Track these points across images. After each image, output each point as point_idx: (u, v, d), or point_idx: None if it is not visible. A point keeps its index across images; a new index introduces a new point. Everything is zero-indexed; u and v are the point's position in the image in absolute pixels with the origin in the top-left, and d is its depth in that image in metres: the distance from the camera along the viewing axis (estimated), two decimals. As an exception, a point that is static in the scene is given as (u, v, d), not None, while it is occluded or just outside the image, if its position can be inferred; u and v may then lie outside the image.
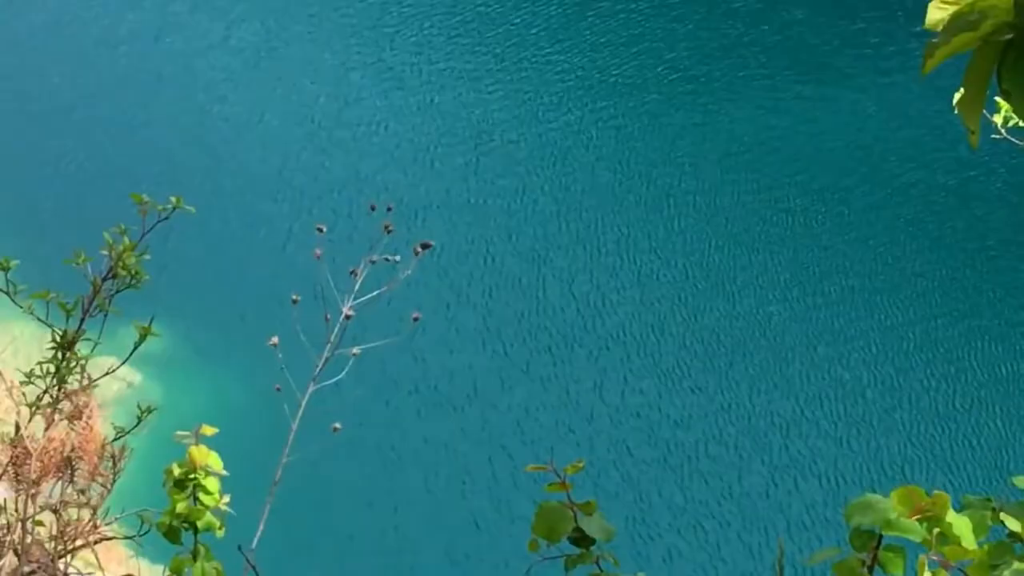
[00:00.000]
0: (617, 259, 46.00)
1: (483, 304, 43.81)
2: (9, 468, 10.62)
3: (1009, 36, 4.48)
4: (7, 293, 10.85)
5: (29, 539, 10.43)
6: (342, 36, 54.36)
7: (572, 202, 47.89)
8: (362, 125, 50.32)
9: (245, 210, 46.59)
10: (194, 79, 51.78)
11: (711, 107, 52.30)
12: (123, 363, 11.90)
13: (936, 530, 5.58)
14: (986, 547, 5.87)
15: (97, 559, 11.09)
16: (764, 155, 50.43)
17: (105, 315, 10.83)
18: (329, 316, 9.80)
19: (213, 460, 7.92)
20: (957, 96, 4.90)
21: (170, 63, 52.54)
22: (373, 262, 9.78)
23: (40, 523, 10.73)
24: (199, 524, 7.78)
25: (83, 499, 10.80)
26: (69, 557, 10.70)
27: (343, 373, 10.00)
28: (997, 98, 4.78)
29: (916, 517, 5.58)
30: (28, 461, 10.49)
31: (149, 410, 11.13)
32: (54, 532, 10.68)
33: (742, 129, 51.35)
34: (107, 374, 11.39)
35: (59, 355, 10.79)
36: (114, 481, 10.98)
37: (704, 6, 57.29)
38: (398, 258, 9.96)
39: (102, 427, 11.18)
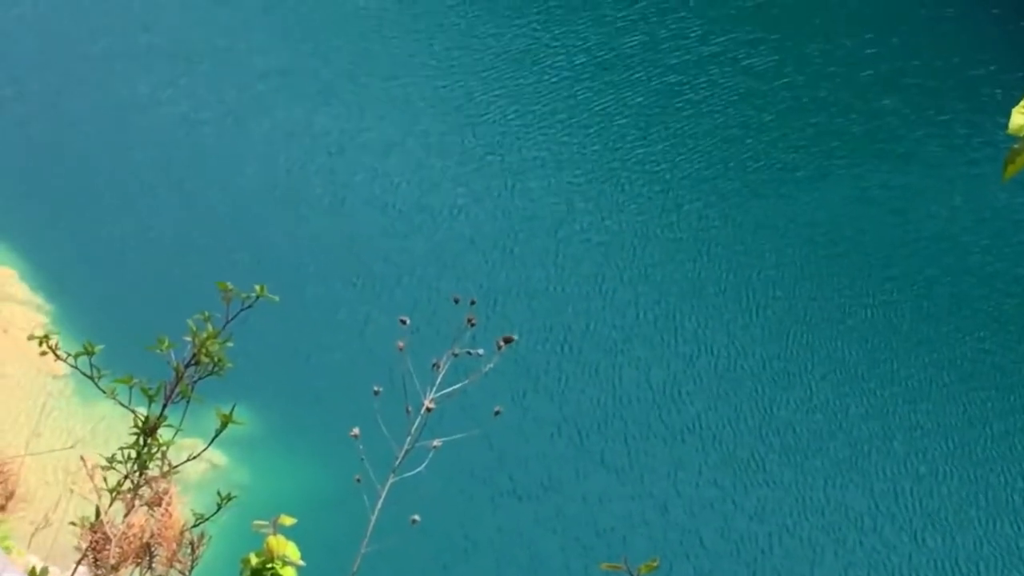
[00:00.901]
0: (694, 348, 45.99)
1: (559, 392, 43.86)
2: (89, 553, 10.70)
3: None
4: (91, 377, 11.01)
5: (107, 625, 10.49)
6: (425, 121, 54.75)
7: (650, 291, 47.92)
8: (443, 210, 50.63)
9: (325, 295, 46.98)
10: (276, 162, 52.33)
11: (794, 196, 52.30)
12: (203, 450, 12.00)
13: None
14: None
15: (173, 646, 11.14)
16: (847, 245, 50.37)
17: (187, 401, 10.95)
18: (410, 409, 9.84)
19: (291, 550, 7.96)
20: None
21: (252, 145, 53.12)
22: (455, 355, 9.83)
23: (118, 609, 10.79)
24: (276, 614, 7.80)
25: (161, 586, 10.86)
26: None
27: (423, 466, 10.03)
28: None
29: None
30: (107, 547, 10.58)
31: (228, 497, 11.23)
32: (132, 618, 10.74)
33: (825, 218, 51.33)
34: (188, 460, 11.50)
35: (140, 440, 10.90)
36: (192, 568, 11.06)
37: (789, 94, 57.40)
38: (481, 352, 10.00)
39: (181, 513, 11.26)
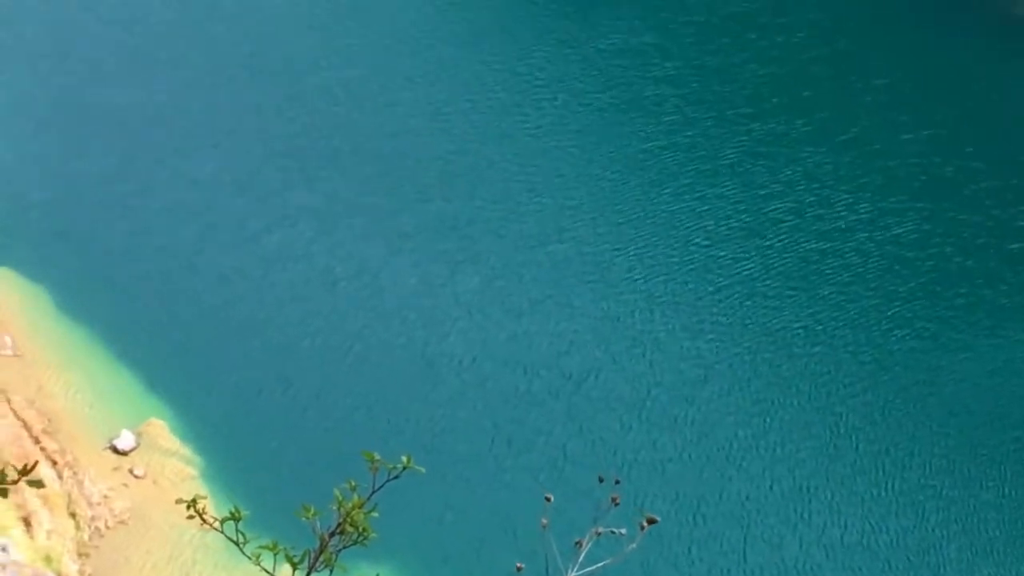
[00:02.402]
0: (827, 520, 45.82)
1: (686, 560, 43.50)
2: None
3: None
4: (236, 543, 11.07)
5: None
6: (566, 284, 55.01)
7: (783, 460, 47.63)
8: (579, 373, 50.72)
9: (462, 456, 47.19)
10: (418, 317, 52.82)
11: (937, 366, 52.09)
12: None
13: None
14: None
15: None
16: (987, 416, 50.32)
17: (331, 570, 10.96)
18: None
19: None
20: None
21: (386, 301, 53.77)
22: (599, 534, 9.78)
23: None
24: None
25: None
26: None
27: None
28: None
29: None
30: None
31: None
32: None
33: (967, 389, 51.26)
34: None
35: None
36: None
37: (936, 263, 57.19)
38: (623, 532, 9.94)
39: None
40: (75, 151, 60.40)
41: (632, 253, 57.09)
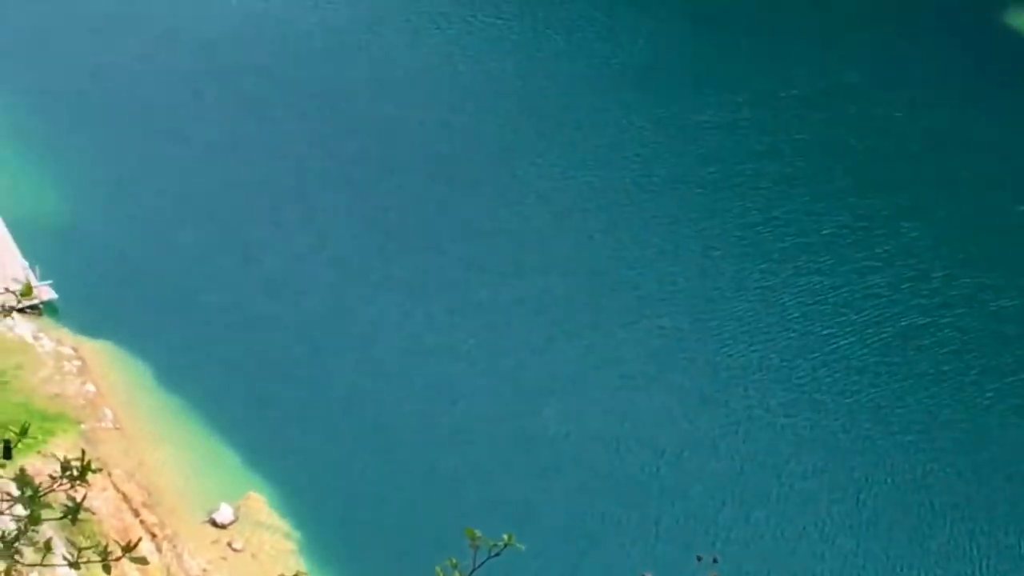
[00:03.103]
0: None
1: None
2: None
3: None
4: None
5: None
6: (658, 359, 55.21)
7: (876, 538, 47.41)
8: (674, 449, 50.97)
9: (560, 540, 47.14)
10: (515, 391, 52.94)
11: None
12: None
13: None
14: None
15: None
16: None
17: (431, 648, 10.84)
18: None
19: None
20: None
21: (482, 375, 53.98)
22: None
23: None
24: None
25: None
26: None
27: None
28: None
29: None
30: None
31: None
32: None
33: None
34: None
35: None
36: None
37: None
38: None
39: None
40: (173, 221, 61.19)
41: (728, 328, 56.95)
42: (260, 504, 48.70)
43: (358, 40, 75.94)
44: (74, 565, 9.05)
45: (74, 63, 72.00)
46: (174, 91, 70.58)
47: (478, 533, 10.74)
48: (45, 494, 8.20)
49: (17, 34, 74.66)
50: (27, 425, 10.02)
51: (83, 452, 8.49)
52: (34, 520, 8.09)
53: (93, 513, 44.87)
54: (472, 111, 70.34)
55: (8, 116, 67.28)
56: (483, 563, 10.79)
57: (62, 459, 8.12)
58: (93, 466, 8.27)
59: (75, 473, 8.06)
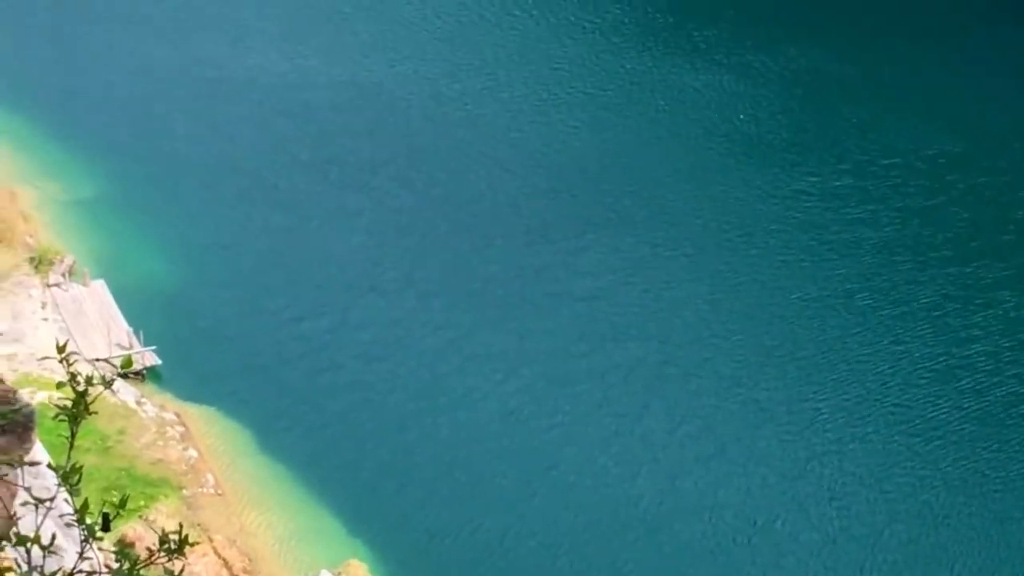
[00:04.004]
0: None
1: None
2: None
3: None
4: None
5: None
6: (750, 427, 55.31)
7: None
8: (766, 519, 51.48)
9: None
10: (607, 459, 53.61)
11: None
12: None
13: None
14: None
15: None
16: None
17: None
18: None
19: None
20: None
21: (573, 443, 54.57)
22: None
23: None
24: None
25: None
26: None
27: None
28: None
29: None
30: None
31: None
32: None
33: None
34: None
35: None
36: None
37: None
38: None
39: None
40: (273, 287, 61.86)
41: (823, 397, 56.92)
42: (361, 571, 48.89)
43: (462, 112, 76.65)
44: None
45: (177, 129, 73.28)
46: (274, 157, 71.47)
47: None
48: (144, 566, 8.28)
49: (123, 101, 76.01)
50: (127, 496, 10.16)
51: (180, 525, 8.57)
52: (131, 593, 8.14)
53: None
54: (576, 180, 70.68)
55: (113, 183, 68.52)
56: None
57: (160, 532, 8.20)
58: (192, 537, 8.33)
59: (172, 547, 8.12)
